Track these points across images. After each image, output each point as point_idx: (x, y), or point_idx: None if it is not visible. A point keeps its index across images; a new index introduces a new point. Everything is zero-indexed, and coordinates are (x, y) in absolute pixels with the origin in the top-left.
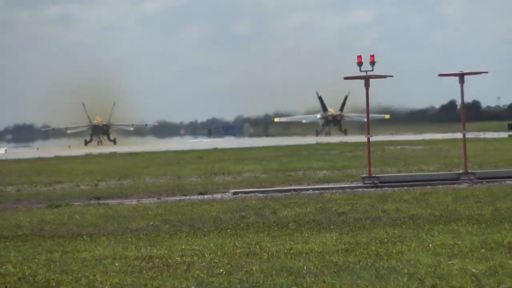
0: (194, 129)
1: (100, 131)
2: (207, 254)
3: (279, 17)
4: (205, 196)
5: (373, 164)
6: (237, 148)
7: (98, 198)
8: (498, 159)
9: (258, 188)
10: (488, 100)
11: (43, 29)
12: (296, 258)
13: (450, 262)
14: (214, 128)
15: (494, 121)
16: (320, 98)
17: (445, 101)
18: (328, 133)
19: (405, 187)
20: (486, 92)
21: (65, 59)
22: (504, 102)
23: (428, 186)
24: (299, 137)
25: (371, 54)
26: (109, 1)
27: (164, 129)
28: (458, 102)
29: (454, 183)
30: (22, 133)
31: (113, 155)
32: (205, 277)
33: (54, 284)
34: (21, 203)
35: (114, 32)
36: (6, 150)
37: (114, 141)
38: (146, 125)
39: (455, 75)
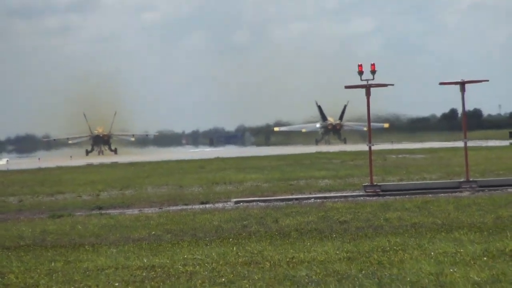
0: (195, 138)
1: (101, 141)
2: (209, 263)
3: (280, 26)
4: (207, 206)
5: (374, 172)
6: (238, 157)
7: (100, 208)
8: (500, 167)
9: (260, 197)
10: (489, 109)
11: (43, 40)
12: (298, 267)
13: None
14: (215, 137)
15: (495, 129)
16: (319, 107)
17: (446, 109)
18: (327, 142)
19: (406, 196)
20: (487, 100)
21: (65, 70)
22: (505, 110)
23: (430, 195)
24: (299, 146)
25: (372, 63)
26: (109, 11)
27: (165, 139)
28: (459, 111)
29: (456, 192)
30: (24, 144)
31: (114, 165)
32: (208, 286)
33: None
34: (23, 213)
35: (114, 42)
36: (7, 160)
37: (115, 151)
38: (147, 135)
39: (456, 83)
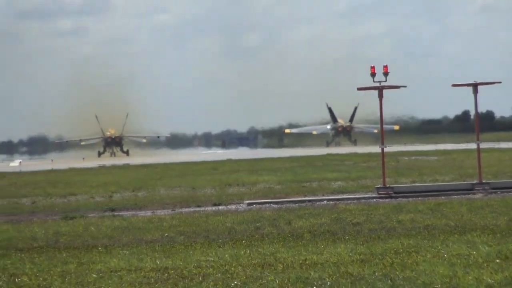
0: (208, 140)
1: (113, 143)
2: (222, 265)
3: (291, 28)
4: (220, 207)
5: (387, 174)
6: (251, 159)
7: (113, 210)
8: None
9: (272, 199)
10: (501, 110)
11: (55, 42)
12: (311, 269)
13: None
14: (228, 139)
15: (508, 131)
16: (330, 110)
17: (458, 111)
18: (338, 144)
19: (419, 198)
20: (499, 102)
21: (77, 71)
22: None
23: (443, 197)
24: (310, 148)
25: (385, 64)
26: (120, 13)
27: (177, 141)
28: (472, 113)
29: (469, 193)
30: (36, 145)
31: (126, 166)
32: None
33: None
34: (36, 215)
35: (126, 44)
36: (20, 162)
37: (127, 153)
38: (158, 137)
39: (468, 85)
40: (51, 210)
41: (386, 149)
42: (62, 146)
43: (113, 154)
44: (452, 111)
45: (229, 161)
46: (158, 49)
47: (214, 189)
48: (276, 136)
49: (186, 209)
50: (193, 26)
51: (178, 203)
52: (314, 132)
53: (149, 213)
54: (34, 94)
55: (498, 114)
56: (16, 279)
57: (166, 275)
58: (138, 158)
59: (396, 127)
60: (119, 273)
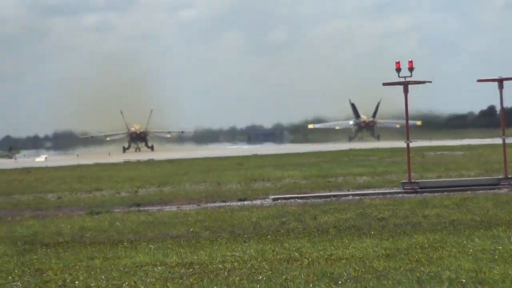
0: (233, 135)
1: (138, 138)
2: (247, 260)
3: (316, 24)
4: (245, 202)
5: (412, 169)
6: (276, 154)
7: (138, 205)
8: None
9: (298, 194)
10: None
11: (80, 38)
12: (337, 264)
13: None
14: (253, 134)
15: None
16: (353, 105)
17: (484, 106)
18: (361, 139)
19: (445, 193)
20: None
21: (103, 67)
22: None
23: (468, 192)
24: (333, 143)
25: (410, 60)
26: (145, 9)
27: (203, 136)
28: (498, 108)
29: (494, 188)
30: (62, 141)
31: (151, 162)
32: (246, 283)
33: None
34: (62, 210)
35: (152, 40)
36: (46, 157)
37: (152, 148)
38: (182, 132)
39: (493, 80)
40: (76, 205)
41: (411, 144)
42: (87, 141)
43: (138, 149)
44: (477, 106)
45: (255, 156)
46: (184, 44)
47: (240, 184)
48: (301, 132)
49: (212, 204)
50: (218, 22)
51: (203, 198)
52: (337, 128)
53: (174, 208)
54: (60, 89)
55: None
56: (42, 274)
57: (191, 270)
58: (162, 153)
59: (419, 123)
60: (144, 268)
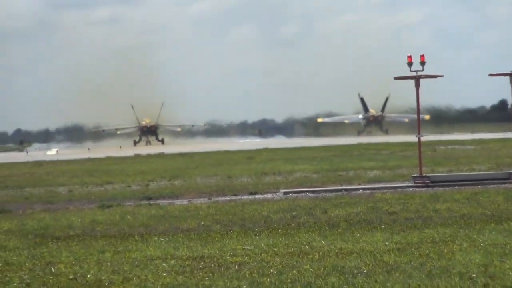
0: (244, 129)
1: (148, 131)
2: (258, 254)
3: (328, 18)
4: (256, 196)
5: (424, 164)
6: (287, 148)
7: (149, 199)
8: None
9: (308, 188)
10: None
11: (92, 31)
12: (347, 257)
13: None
14: (264, 128)
15: None
16: (362, 100)
17: (495, 101)
18: (369, 133)
19: (456, 187)
20: None
21: (114, 61)
22: None
23: (479, 186)
24: (342, 137)
25: (421, 54)
26: (157, 2)
27: (214, 129)
28: (509, 102)
29: (506, 183)
30: (73, 134)
31: (162, 155)
32: (257, 277)
33: (105, 284)
34: (73, 203)
35: (163, 33)
36: (57, 151)
37: (162, 141)
38: (192, 126)
39: (505, 75)
40: (87, 199)
41: (422, 139)
42: (98, 135)
43: (148, 143)
44: (489, 101)
45: (266, 150)
46: (195, 38)
47: (251, 178)
48: (312, 125)
49: (223, 198)
50: (230, 15)
51: (214, 192)
52: (346, 121)
53: (185, 201)
54: (71, 83)
55: None
56: (53, 267)
57: (202, 263)
58: (173, 147)
59: (427, 117)
60: (155, 261)
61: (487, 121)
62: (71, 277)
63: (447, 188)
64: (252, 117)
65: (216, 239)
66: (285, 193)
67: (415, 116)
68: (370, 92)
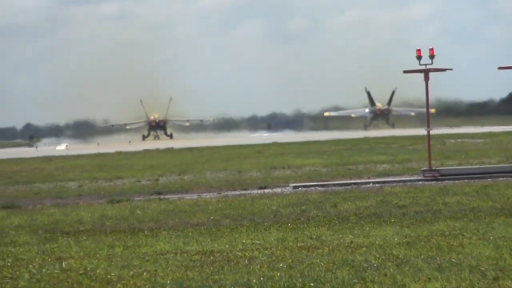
0: (253, 123)
1: (157, 126)
2: (268, 248)
3: (336, 13)
4: (265, 191)
5: (433, 157)
6: (297, 142)
7: (159, 193)
8: None
9: (318, 182)
10: None
11: (100, 26)
12: (357, 251)
13: None
14: (273, 122)
15: None
16: (368, 93)
17: (504, 94)
18: (376, 127)
19: (465, 180)
20: None
21: (122, 55)
22: None
23: (489, 179)
24: (348, 130)
25: (431, 47)
26: None
27: (223, 124)
28: None
29: None
30: (83, 129)
31: (172, 150)
32: (267, 271)
33: (115, 279)
34: (83, 198)
35: (171, 28)
36: (67, 146)
37: (171, 136)
38: (201, 120)
39: None
40: (97, 194)
41: (431, 132)
42: (108, 130)
43: (157, 137)
44: (498, 94)
45: (275, 144)
46: (203, 32)
47: (260, 172)
48: (320, 119)
49: (232, 192)
50: (238, 10)
51: (224, 186)
52: (353, 115)
53: (195, 196)
54: (80, 78)
55: None
56: (63, 262)
57: (212, 258)
58: (181, 141)
59: (433, 110)
60: (165, 256)
61: (496, 114)
62: (81, 272)
63: (456, 181)
64: (262, 112)
65: (226, 233)
66: (294, 187)
67: (421, 109)
68: (377, 86)
